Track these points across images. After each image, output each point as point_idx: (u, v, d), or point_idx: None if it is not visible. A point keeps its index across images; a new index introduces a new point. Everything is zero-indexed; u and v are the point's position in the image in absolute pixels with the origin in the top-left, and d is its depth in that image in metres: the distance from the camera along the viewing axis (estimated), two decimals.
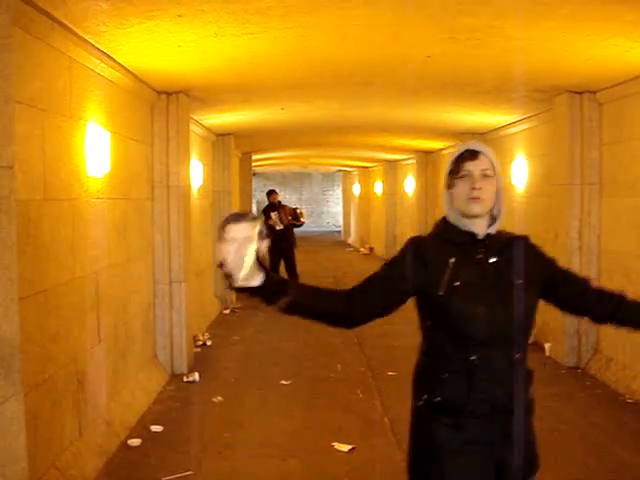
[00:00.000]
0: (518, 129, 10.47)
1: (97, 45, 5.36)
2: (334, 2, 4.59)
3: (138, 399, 6.53)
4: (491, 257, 2.55)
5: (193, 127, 9.65)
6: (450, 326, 2.50)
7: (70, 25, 4.79)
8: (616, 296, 2.70)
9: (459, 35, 5.49)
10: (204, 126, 10.62)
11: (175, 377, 7.60)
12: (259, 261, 2.23)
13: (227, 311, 11.91)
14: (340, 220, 33.82)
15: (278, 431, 6.03)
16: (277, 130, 12.43)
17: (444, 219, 2.64)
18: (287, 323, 10.78)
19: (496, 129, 11.40)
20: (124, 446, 5.61)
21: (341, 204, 33.68)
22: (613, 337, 7.40)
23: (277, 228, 14.24)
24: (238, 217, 2.22)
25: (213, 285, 12.09)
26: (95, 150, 5.43)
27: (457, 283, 2.48)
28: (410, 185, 18.82)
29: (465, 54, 6.16)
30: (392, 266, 2.64)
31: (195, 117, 9.54)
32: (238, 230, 2.18)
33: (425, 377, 2.62)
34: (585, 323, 7.82)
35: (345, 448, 5.59)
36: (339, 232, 32.79)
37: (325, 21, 5.10)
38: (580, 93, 7.74)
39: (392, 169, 21.14)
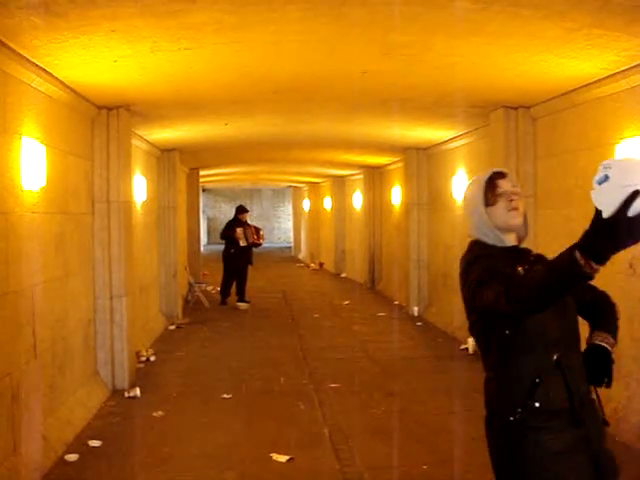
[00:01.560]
0: (459, 144, 10.69)
1: (32, 60, 5.35)
2: (267, 18, 4.67)
3: (77, 414, 6.48)
4: (535, 266, 2.70)
5: (137, 142, 9.65)
6: (531, 330, 2.62)
7: (3, 39, 4.78)
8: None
9: (392, 52, 5.64)
10: (148, 141, 10.62)
11: (116, 392, 7.55)
12: None
13: (173, 327, 11.85)
14: (291, 236, 33.88)
15: (217, 444, 6.04)
16: (223, 145, 12.47)
17: (477, 242, 2.84)
18: (233, 338, 10.84)
19: (438, 144, 11.62)
20: (61, 461, 5.57)
21: (292, 220, 33.76)
22: None
23: (241, 244, 14.40)
24: None
25: (158, 301, 12.03)
26: (31, 164, 5.42)
27: None
28: (358, 200, 19.00)
29: (400, 70, 6.31)
30: (488, 271, 2.63)
31: (139, 132, 9.54)
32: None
33: (511, 389, 2.66)
34: None
35: (283, 459, 5.63)
36: (290, 248, 32.86)
37: (260, 37, 5.18)
38: (515, 108, 7.96)
39: (340, 184, 21.30)
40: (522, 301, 2.41)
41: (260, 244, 14.92)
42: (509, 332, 2.65)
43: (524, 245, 2.91)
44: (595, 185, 2.17)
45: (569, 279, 2.28)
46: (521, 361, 2.65)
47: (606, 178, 2.14)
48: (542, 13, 4.52)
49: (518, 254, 2.81)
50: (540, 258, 2.86)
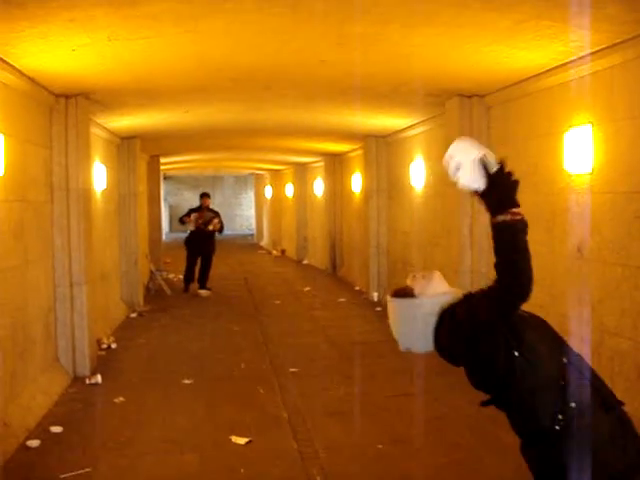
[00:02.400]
0: (416, 132, 10.85)
1: None
2: (224, 8, 4.74)
3: (38, 401, 6.52)
4: None
5: (96, 130, 9.64)
6: (544, 332, 2.65)
7: None
8: None
9: (348, 41, 5.73)
10: (108, 129, 10.60)
11: (77, 379, 7.59)
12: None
13: (134, 314, 11.87)
14: (253, 223, 33.89)
15: (178, 428, 6.14)
16: (184, 133, 12.48)
17: None
18: (194, 325, 10.90)
19: (396, 132, 11.77)
20: (23, 447, 5.62)
21: (254, 207, 33.75)
22: None
23: (190, 228, 14.50)
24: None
25: (119, 288, 12.04)
26: None
27: None
28: (319, 187, 19.11)
29: (356, 59, 6.40)
30: None
31: (98, 120, 9.53)
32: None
33: (544, 393, 2.55)
34: None
35: (242, 441, 5.75)
36: (252, 235, 32.87)
37: (217, 26, 5.25)
38: (469, 97, 8.13)
39: (302, 172, 21.39)
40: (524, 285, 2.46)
41: (207, 231, 14.55)
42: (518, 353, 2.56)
43: None
44: (456, 177, 2.60)
45: (519, 237, 2.45)
46: (544, 367, 2.56)
47: (458, 165, 2.57)
48: (491, 5, 4.65)
49: None
50: None
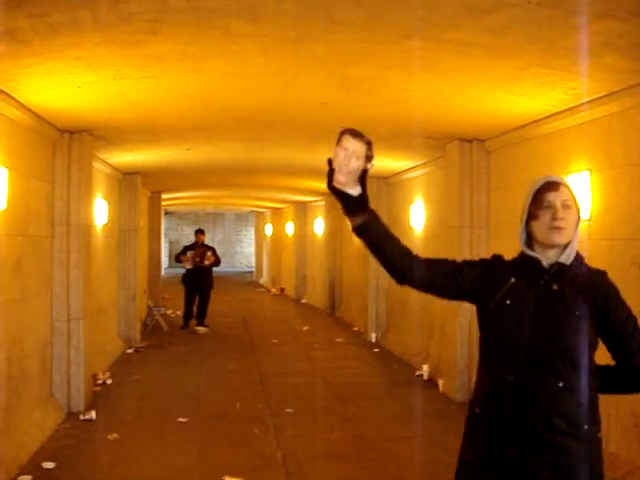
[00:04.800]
0: (417, 174, 10.93)
1: None
2: (229, 50, 4.82)
3: (32, 436, 6.48)
4: (554, 285, 2.62)
5: (98, 165, 9.71)
6: (493, 341, 2.66)
7: None
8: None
9: (349, 84, 5.83)
10: (110, 165, 10.67)
11: (72, 415, 7.54)
12: (361, 179, 2.56)
13: (130, 350, 11.83)
14: (253, 261, 33.92)
15: (171, 467, 6.09)
16: (185, 170, 12.56)
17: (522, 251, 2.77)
18: (190, 362, 10.86)
19: (397, 173, 11.85)
20: None
21: (254, 245, 33.81)
22: None
23: (187, 266, 14.47)
24: (357, 134, 2.49)
25: (117, 324, 12.01)
26: None
27: (508, 302, 2.63)
28: (319, 226, 19.16)
29: (358, 102, 6.50)
30: (465, 260, 2.86)
31: (101, 156, 9.61)
32: (353, 143, 2.49)
33: (476, 387, 2.77)
34: (475, 359, 8.17)
35: None
36: (252, 273, 32.88)
37: (221, 67, 5.33)
38: (470, 141, 8.21)
39: (302, 210, 21.47)
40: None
41: (204, 267, 14.61)
42: (481, 336, 2.74)
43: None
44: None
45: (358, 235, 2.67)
46: (483, 367, 2.70)
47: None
48: (491, 53, 4.73)
49: (539, 269, 2.64)
50: (586, 278, 2.66)
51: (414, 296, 11.11)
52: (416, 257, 2.73)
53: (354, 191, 2.54)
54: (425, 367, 9.71)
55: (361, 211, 2.59)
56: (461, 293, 2.77)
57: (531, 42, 4.49)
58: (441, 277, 2.73)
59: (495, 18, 4.03)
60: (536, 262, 2.65)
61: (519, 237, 2.74)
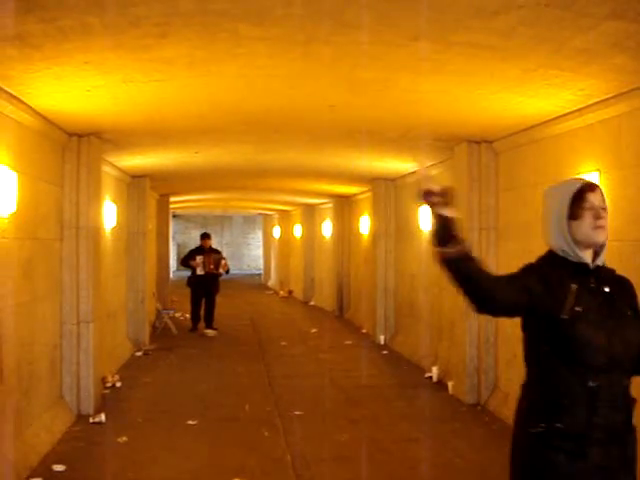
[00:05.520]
0: None
1: (5, 88, 5.46)
2: (237, 53, 4.83)
3: (42, 439, 6.50)
4: (604, 287, 2.73)
5: (107, 169, 9.74)
6: (571, 351, 2.63)
7: None
8: None
9: (357, 87, 5.82)
10: (118, 168, 10.70)
11: (81, 418, 7.56)
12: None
13: (139, 353, 11.85)
14: (261, 263, 33.93)
15: (181, 470, 6.10)
16: (194, 173, 12.58)
17: (550, 252, 2.81)
18: (199, 365, 10.88)
19: (405, 175, 11.84)
20: None
21: (262, 247, 33.83)
22: (510, 373, 7.74)
23: (198, 272, 14.47)
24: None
25: (126, 327, 12.04)
26: (1, 190, 5.49)
27: (579, 309, 2.64)
28: (328, 229, 19.17)
29: (366, 104, 6.50)
30: (520, 273, 2.79)
31: (109, 159, 9.63)
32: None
33: (541, 404, 2.70)
34: (484, 361, 8.18)
35: None
36: (260, 275, 32.89)
37: (230, 71, 5.34)
38: (478, 143, 8.19)
39: (310, 213, 21.48)
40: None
41: (218, 274, 14.76)
42: (548, 349, 2.68)
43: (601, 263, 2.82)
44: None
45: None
46: (554, 380, 2.67)
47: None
48: (499, 54, 4.72)
49: (587, 271, 2.75)
50: (618, 279, 2.84)
51: (422, 298, 11.11)
52: (497, 279, 2.73)
53: (449, 212, 2.60)
54: (434, 369, 9.69)
55: (454, 240, 2.59)
56: (531, 307, 2.72)
57: (540, 43, 4.48)
58: (516, 294, 2.71)
59: (503, 19, 4.02)
60: (585, 265, 2.74)
61: (552, 238, 2.79)
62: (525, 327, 2.80)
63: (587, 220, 2.71)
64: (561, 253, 2.76)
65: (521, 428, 2.77)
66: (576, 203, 2.73)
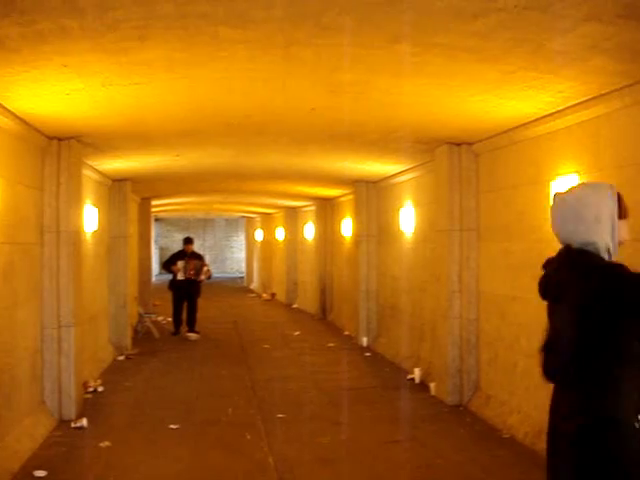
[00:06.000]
0: (406, 177, 10.95)
1: None
2: (218, 56, 4.82)
3: (23, 444, 6.45)
4: None
5: (88, 172, 9.69)
6: None
7: None
8: None
9: (339, 89, 5.84)
10: (99, 171, 10.65)
11: (63, 423, 7.52)
12: None
13: (122, 357, 11.80)
14: (244, 266, 33.87)
15: (163, 474, 6.08)
16: (175, 176, 12.53)
17: (588, 253, 2.88)
18: (182, 368, 10.85)
19: (386, 177, 11.87)
20: None
21: (244, 250, 33.79)
22: (492, 374, 7.78)
23: (178, 277, 14.41)
24: None
25: (107, 331, 11.98)
26: None
27: None
28: (310, 231, 19.17)
29: (347, 107, 6.50)
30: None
31: (90, 163, 9.59)
32: None
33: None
34: (466, 362, 8.21)
35: None
36: (242, 278, 32.84)
37: (210, 74, 5.33)
38: (458, 145, 8.23)
39: (293, 215, 21.47)
40: None
41: (198, 280, 14.68)
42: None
43: None
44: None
45: None
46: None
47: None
48: (478, 57, 4.75)
49: None
50: None
51: (404, 299, 11.14)
52: None
53: None
54: (416, 370, 9.72)
55: None
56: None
57: (518, 45, 4.51)
58: None
59: (482, 22, 4.05)
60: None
61: (603, 236, 2.88)
62: (611, 327, 2.78)
63: (628, 220, 2.94)
64: (605, 252, 2.86)
65: (619, 425, 2.75)
66: (620, 204, 2.91)
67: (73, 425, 7.44)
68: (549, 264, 3.14)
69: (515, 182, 7.25)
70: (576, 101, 5.84)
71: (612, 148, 5.60)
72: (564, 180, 6.07)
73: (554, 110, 6.20)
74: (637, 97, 5.24)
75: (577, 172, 5.98)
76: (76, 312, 7.81)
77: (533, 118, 6.56)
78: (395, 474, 6.13)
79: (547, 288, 3.10)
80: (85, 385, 8.74)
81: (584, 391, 2.80)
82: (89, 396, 8.75)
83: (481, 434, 7.17)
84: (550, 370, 3.00)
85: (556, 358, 2.96)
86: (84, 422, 7.48)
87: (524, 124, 6.79)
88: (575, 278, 2.87)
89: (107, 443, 6.87)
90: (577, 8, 3.83)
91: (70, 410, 7.69)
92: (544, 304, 3.14)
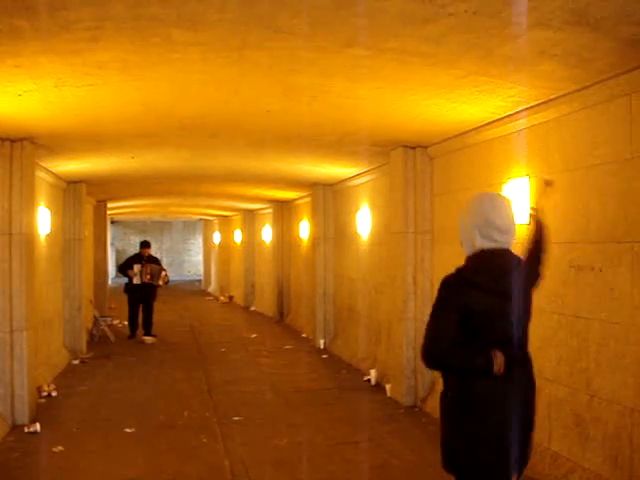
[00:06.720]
0: (363, 180, 11.02)
1: None
2: (171, 58, 4.81)
3: None
4: None
5: (42, 174, 9.58)
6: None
7: None
8: None
9: (293, 92, 5.86)
10: (53, 173, 10.53)
11: (16, 428, 7.42)
12: None
13: (76, 361, 11.65)
14: (201, 269, 33.69)
15: (118, 478, 6.02)
16: (131, 178, 12.45)
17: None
18: (137, 372, 10.76)
19: (343, 180, 11.93)
20: None
21: (202, 253, 33.61)
22: None
23: (134, 281, 14.28)
24: None
25: (62, 335, 11.83)
26: None
27: None
28: (268, 234, 19.16)
29: (302, 110, 6.53)
30: None
31: (44, 164, 9.48)
32: None
33: None
34: (421, 363, 8.27)
35: None
36: (200, 281, 32.66)
37: (163, 75, 5.31)
38: (413, 148, 8.32)
39: (250, 218, 21.44)
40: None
41: (157, 285, 14.65)
42: None
43: None
44: None
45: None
46: None
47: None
48: (430, 61, 4.82)
49: None
50: None
51: (361, 302, 11.20)
52: None
53: None
54: (373, 372, 9.78)
55: None
56: None
57: (469, 50, 4.58)
58: None
59: (433, 27, 4.11)
60: None
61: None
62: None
63: None
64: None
65: None
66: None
67: (26, 430, 7.35)
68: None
69: (469, 185, 7.36)
70: (527, 105, 5.95)
71: (562, 151, 5.72)
72: (516, 183, 6.17)
73: (505, 114, 6.31)
74: (585, 102, 5.36)
75: (528, 175, 6.08)
76: (29, 316, 7.71)
77: (485, 122, 6.67)
78: (351, 475, 6.16)
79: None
80: (39, 390, 8.64)
81: None
82: (43, 401, 8.64)
83: (435, 434, 7.19)
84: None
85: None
86: (37, 427, 7.38)
87: (476, 128, 6.90)
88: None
89: (61, 448, 6.80)
90: (526, 15, 3.91)
91: (23, 415, 7.60)
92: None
